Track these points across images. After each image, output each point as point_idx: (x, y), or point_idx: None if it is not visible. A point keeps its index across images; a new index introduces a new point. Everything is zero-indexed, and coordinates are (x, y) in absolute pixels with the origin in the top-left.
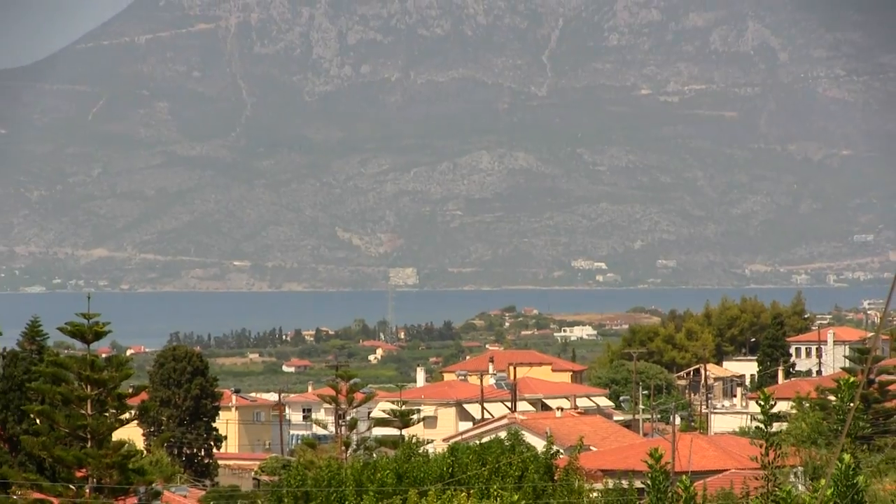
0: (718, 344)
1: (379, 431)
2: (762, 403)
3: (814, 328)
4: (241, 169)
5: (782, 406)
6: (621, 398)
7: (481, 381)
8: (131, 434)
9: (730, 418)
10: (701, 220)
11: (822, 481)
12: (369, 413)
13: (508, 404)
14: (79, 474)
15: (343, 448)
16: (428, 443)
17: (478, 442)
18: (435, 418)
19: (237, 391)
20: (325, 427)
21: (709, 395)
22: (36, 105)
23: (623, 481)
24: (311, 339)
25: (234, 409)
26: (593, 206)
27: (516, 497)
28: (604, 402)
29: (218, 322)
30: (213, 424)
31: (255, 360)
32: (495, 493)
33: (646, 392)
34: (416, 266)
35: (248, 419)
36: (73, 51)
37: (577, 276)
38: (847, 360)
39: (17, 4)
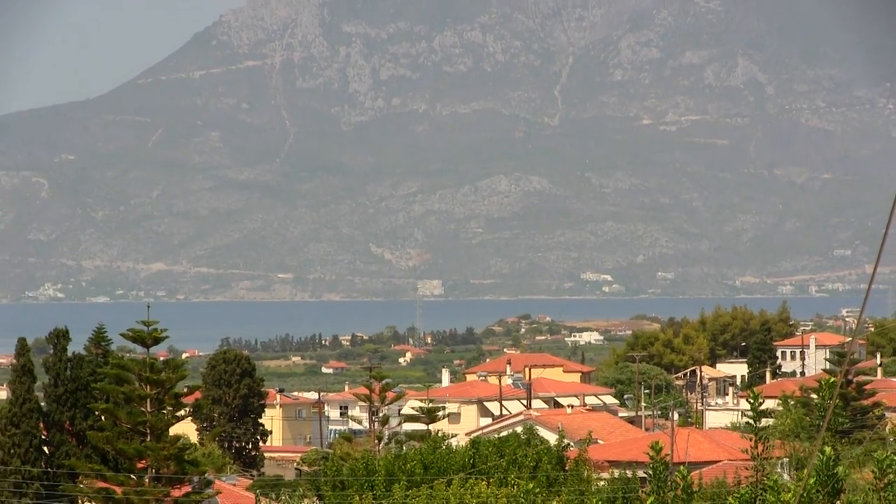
0: (712, 348)
1: (408, 426)
2: (751, 401)
3: (798, 334)
4: (285, 191)
5: (769, 404)
6: (625, 396)
7: (500, 381)
8: (186, 429)
9: (722, 414)
10: (696, 237)
11: (806, 471)
12: (399, 410)
13: (524, 402)
14: (139, 465)
15: (376, 441)
16: (452, 437)
17: (496, 436)
18: (458, 415)
19: (281, 390)
20: (359, 422)
21: (704, 394)
22: (101, 134)
23: (627, 471)
24: (348, 343)
25: (278, 407)
26: (600, 224)
27: (531, 485)
28: (610, 400)
29: (264, 328)
30: (260, 420)
31: (297, 363)
32: (512, 481)
33: (647, 391)
34: (442, 278)
35: (291, 416)
36: (134, 85)
37: (585, 287)
38: (827, 363)
39: (83, 42)
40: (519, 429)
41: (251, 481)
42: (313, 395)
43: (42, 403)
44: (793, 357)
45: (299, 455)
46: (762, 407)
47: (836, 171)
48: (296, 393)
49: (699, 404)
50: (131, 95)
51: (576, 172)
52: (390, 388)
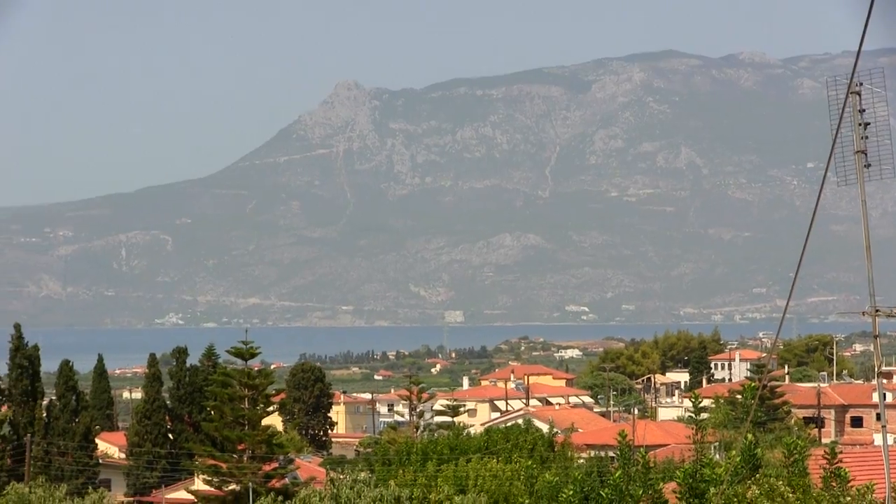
0: (662, 361)
1: (438, 419)
2: (693, 401)
3: (726, 350)
4: (346, 246)
5: (706, 402)
6: (598, 397)
7: (506, 385)
8: (274, 421)
9: (671, 410)
10: (650, 279)
11: (733, 452)
12: (431, 407)
13: (523, 401)
14: (239, 447)
15: (414, 430)
16: (470, 427)
17: (503, 426)
18: (475, 410)
19: (344, 392)
20: (402, 416)
21: (656, 395)
22: (211, 203)
23: (601, 452)
24: (393, 357)
25: (342, 404)
26: (579, 269)
27: (529, 462)
28: (587, 399)
29: (331, 346)
30: (328, 414)
31: (355, 372)
32: (515, 460)
33: (614, 393)
34: (463, 309)
35: (352, 411)
36: (235, 167)
37: (568, 316)
38: (748, 372)
39: (198, 134)
40: (520, 421)
41: (322, 459)
42: (368, 396)
43: (167, 402)
44: (722, 368)
45: (358, 440)
46: (700, 405)
47: (754, 230)
48: (355, 394)
49: (653, 402)
50: (233, 174)
51: (561, 232)
52: (424, 390)
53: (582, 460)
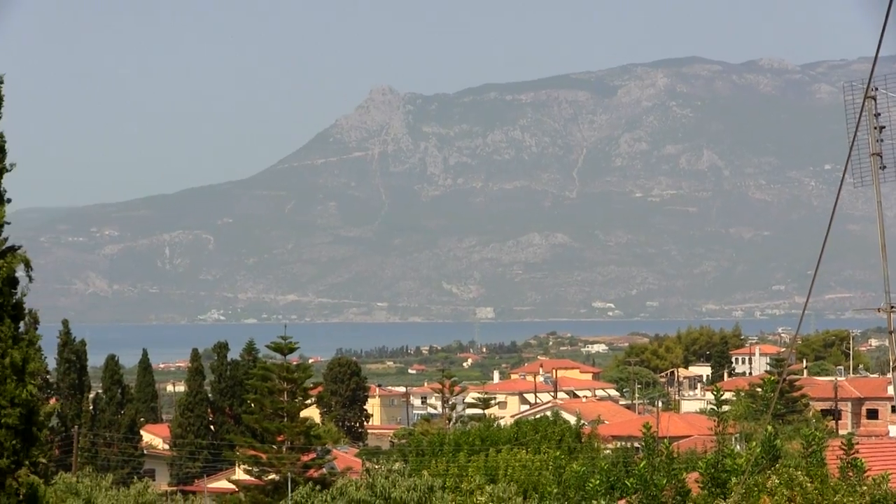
0: (685, 355)
1: (469, 411)
2: (714, 394)
3: (746, 346)
4: (381, 245)
5: (727, 395)
6: (624, 390)
7: (534, 379)
8: (312, 413)
9: (693, 403)
10: (673, 277)
11: (753, 443)
12: (463, 399)
13: (552, 394)
14: (278, 439)
15: (447, 421)
16: (500, 418)
17: (532, 418)
18: (505, 403)
19: (379, 385)
20: (435, 408)
21: (679, 388)
22: (251, 204)
23: (626, 443)
24: (427, 352)
25: (377, 397)
26: (605, 267)
27: (557, 453)
28: (613, 392)
29: (367, 341)
30: (364, 406)
31: (390, 366)
32: (544, 450)
33: (639, 386)
34: (493, 305)
35: (387, 403)
36: (274, 169)
37: (595, 312)
38: (768, 366)
39: (239, 136)
40: (548, 412)
41: (358, 450)
42: (402, 389)
43: (209, 395)
44: (743, 362)
45: (392, 431)
46: (722, 398)
47: (774, 230)
48: (389, 387)
49: (676, 395)
50: (272, 176)
51: (588, 231)
52: (456, 384)
53: (608, 451)
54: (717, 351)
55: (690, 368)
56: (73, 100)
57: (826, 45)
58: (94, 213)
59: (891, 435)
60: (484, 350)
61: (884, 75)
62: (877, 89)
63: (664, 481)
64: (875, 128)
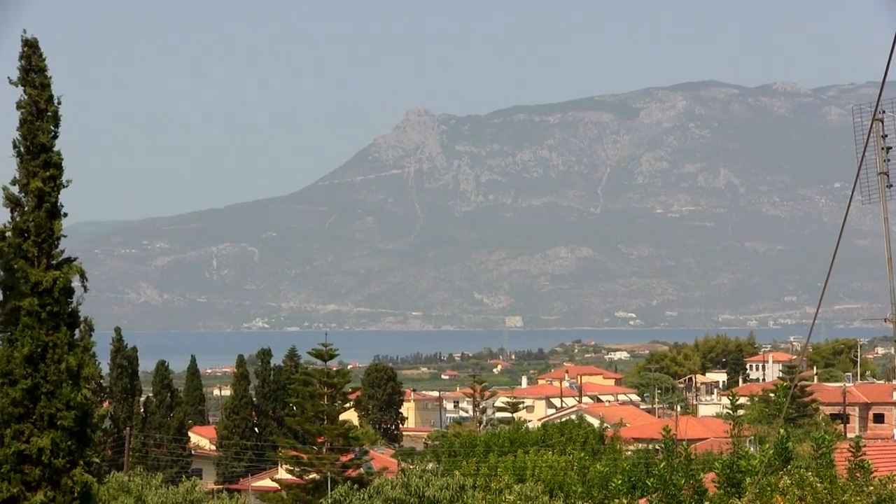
0: (703, 362)
1: (499, 415)
2: (730, 398)
3: (760, 353)
4: (417, 257)
5: (742, 400)
6: (645, 395)
7: (560, 384)
8: (350, 416)
9: (710, 407)
10: (692, 288)
11: (766, 445)
12: (493, 403)
13: (576, 398)
14: (319, 440)
15: (478, 424)
16: (528, 422)
17: (558, 421)
18: (532, 406)
19: (414, 390)
20: (466, 412)
21: (697, 393)
22: (294, 218)
23: (647, 445)
24: (459, 358)
25: (412, 401)
26: (627, 279)
27: (582, 454)
28: (634, 397)
29: (402, 348)
30: (400, 410)
31: (424, 372)
32: (569, 452)
33: (659, 391)
34: (521, 315)
35: (421, 407)
36: (316, 186)
37: (617, 321)
38: (780, 372)
39: (282, 154)
40: (573, 416)
41: (394, 451)
42: (435, 394)
43: (254, 398)
44: (757, 369)
45: (426, 433)
46: (737, 402)
47: (786, 244)
48: (423, 392)
49: (694, 400)
50: (314, 192)
51: (611, 244)
52: (487, 389)
53: (630, 452)
54: (733, 358)
55: (707, 375)
56: (130, 120)
57: (836, 70)
58: (146, 227)
59: None
60: (513, 357)
61: (891, 99)
62: (884, 112)
63: (682, 481)
64: (882, 148)
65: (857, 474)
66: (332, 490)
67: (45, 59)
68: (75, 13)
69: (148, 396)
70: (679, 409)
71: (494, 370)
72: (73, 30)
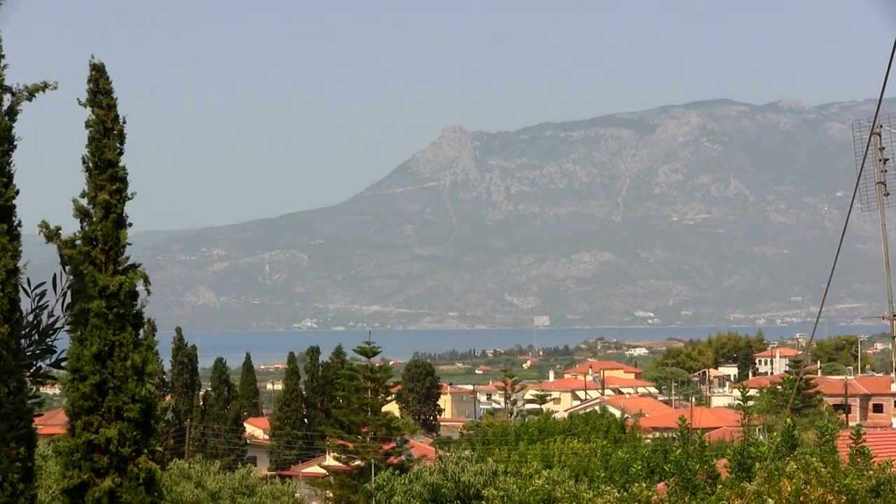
0: (715, 358)
1: (528, 406)
2: (741, 390)
3: (768, 349)
4: (452, 262)
5: (752, 392)
6: (662, 387)
7: (585, 378)
8: (392, 408)
9: (722, 399)
10: (705, 290)
11: (774, 433)
12: (523, 396)
13: (599, 391)
14: (363, 430)
15: (509, 415)
16: (555, 412)
17: (583, 412)
18: (559, 399)
19: (450, 384)
20: (499, 404)
21: (710, 386)
22: (340, 227)
23: (664, 434)
24: (491, 354)
25: (448, 394)
26: (646, 282)
27: (605, 442)
28: (653, 390)
29: (440, 345)
30: (437, 402)
31: (460, 367)
32: (593, 440)
33: (675, 384)
34: (549, 315)
35: (457, 399)
36: (360, 197)
37: (637, 320)
38: (787, 367)
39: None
40: (597, 407)
41: (432, 440)
42: (470, 387)
43: (303, 392)
44: (765, 363)
45: (462, 424)
46: (747, 394)
47: (792, 248)
48: (459, 386)
49: (707, 392)
50: (358, 203)
51: (631, 250)
52: (517, 382)
53: (648, 440)
54: (743, 354)
55: (720, 369)
56: (193, 134)
57: (837, 88)
58: (204, 235)
59: (894, 426)
60: (541, 353)
61: (888, 114)
62: (882, 126)
63: (697, 466)
64: (880, 160)
65: (858, 460)
66: (375, 475)
67: (111, 82)
68: (144, 37)
69: (207, 390)
70: (694, 400)
71: (524, 365)
72: (140, 53)
